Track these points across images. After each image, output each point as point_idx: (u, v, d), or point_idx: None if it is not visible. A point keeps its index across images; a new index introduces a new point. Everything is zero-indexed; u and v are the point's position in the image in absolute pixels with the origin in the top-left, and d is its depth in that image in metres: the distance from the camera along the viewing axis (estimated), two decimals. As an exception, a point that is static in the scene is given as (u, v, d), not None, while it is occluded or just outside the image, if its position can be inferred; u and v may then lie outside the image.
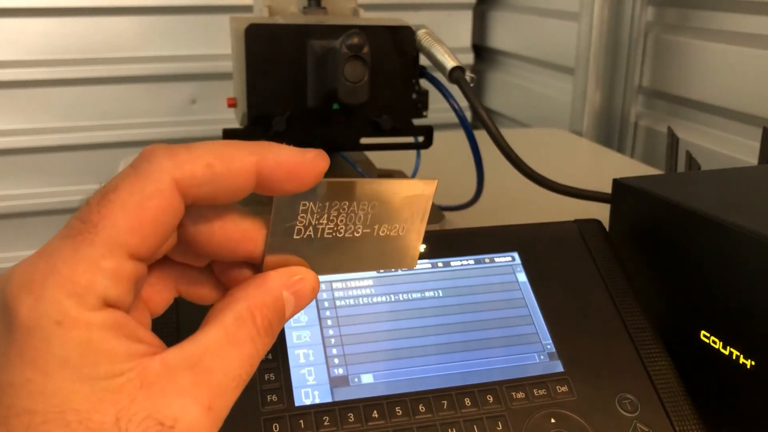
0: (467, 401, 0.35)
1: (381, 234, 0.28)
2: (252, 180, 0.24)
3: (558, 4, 1.30)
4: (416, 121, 0.59)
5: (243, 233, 0.25)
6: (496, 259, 0.41)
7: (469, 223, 0.66)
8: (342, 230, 0.27)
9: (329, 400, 0.34)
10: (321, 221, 0.26)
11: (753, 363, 0.36)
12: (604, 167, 0.98)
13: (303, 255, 0.27)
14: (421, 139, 0.60)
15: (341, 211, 0.27)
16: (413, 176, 0.64)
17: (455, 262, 0.40)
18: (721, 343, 0.38)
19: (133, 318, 0.23)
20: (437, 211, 0.61)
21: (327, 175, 0.26)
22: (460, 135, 0.56)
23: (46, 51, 1.41)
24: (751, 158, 0.87)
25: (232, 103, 0.62)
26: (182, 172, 0.22)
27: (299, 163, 0.24)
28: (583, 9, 1.10)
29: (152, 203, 0.22)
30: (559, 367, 0.37)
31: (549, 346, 0.38)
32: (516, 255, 0.41)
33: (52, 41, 1.41)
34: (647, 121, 1.09)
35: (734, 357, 0.37)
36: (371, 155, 0.75)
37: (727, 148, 0.93)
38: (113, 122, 1.48)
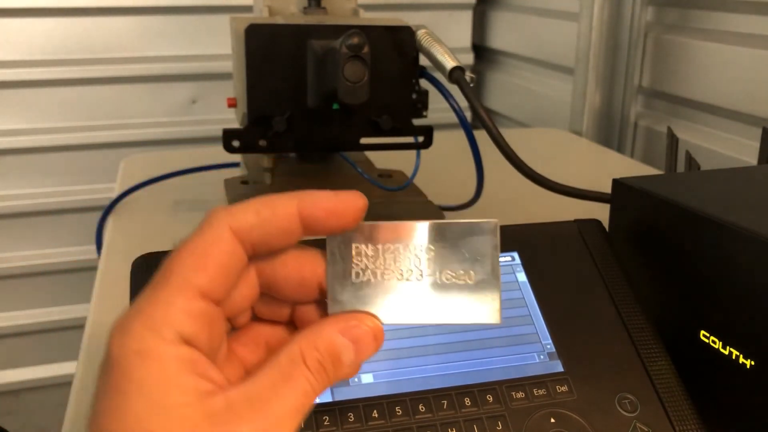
0: (467, 401, 0.35)
1: (446, 280, 0.27)
2: (296, 221, 0.26)
3: (558, 4, 1.30)
4: (416, 121, 0.59)
5: (314, 270, 0.27)
6: (496, 259, 0.41)
7: (469, 223, 0.66)
8: (402, 274, 0.26)
9: (329, 399, 0.34)
10: (377, 264, 0.26)
11: (753, 363, 0.36)
12: (604, 167, 0.99)
13: (367, 300, 0.27)
14: (421, 139, 0.60)
15: (396, 253, 0.26)
16: (413, 176, 0.64)
17: (455, 262, 0.40)
18: (721, 342, 0.38)
19: (225, 370, 0.26)
20: (437, 211, 0.61)
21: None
22: (460, 135, 0.56)
23: (46, 51, 1.41)
24: (751, 158, 0.87)
25: (232, 103, 0.62)
26: (236, 220, 0.26)
27: (335, 202, 0.26)
28: (583, 9, 1.10)
29: (214, 248, 0.25)
30: (558, 366, 0.37)
31: (549, 346, 0.38)
32: (516, 255, 0.41)
33: (53, 41, 1.41)
34: (647, 121, 1.09)
35: (734, 357, 0.37)
36: (371, 155, 0.75)
37: (727, 148, 0.93)
38: (113, 122, 1.48)
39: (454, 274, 0.27)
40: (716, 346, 0.38)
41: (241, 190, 0.65)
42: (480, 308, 0.27)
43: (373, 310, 0.27)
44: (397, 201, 0.63)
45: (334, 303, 0.27)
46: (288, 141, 0.57)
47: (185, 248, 0.25)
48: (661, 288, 0.43)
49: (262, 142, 0.56)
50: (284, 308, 0.29)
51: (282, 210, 0.26)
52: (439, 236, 0.27)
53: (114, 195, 0.81)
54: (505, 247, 0.42)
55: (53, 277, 1.56)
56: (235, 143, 0.56)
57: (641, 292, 0.42)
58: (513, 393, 0.36)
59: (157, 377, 0.23)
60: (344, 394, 0.35)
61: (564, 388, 0.37)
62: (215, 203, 0.74)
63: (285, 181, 0.66)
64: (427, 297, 0.27)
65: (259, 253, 0.27)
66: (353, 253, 0.26)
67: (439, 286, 0.27)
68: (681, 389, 0.38)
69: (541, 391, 0.36)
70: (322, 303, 0.28)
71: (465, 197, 0.63)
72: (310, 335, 0.26)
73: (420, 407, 0.35)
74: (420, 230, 0.26)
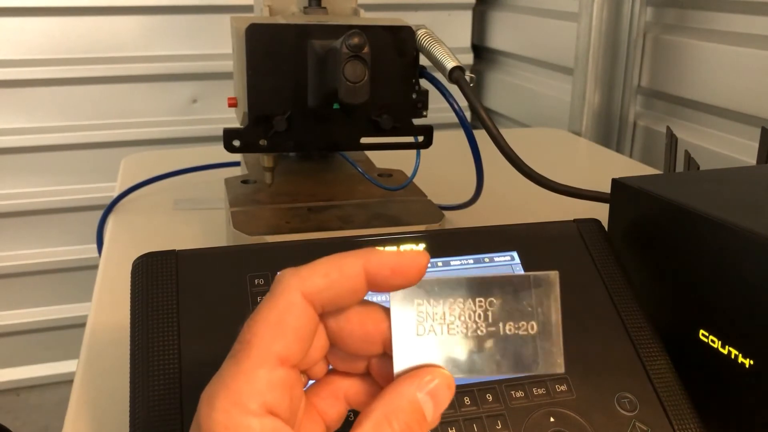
0: (467, 400, 0.35)
1: (509, 332, 0.27)
2: (362, 280, 0.27)
3: (557, 5, 1.30)
4: (416, 121, 0.59)
5: (377, 324, 0.28)
6: (496, 259, 0.41)
7: (468, 223, 0.66)
8: (464, 328, 0.27)
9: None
10: (440, 319, 0.27)
11: (751, 362, 0.36)
12: (603, 167, 0.99)
13: (431, 355, 0.27)
14: (421, 139, 0.61)
15: (457, 307, 0.27)
16: (413, 176, 0.64)
17: (455, 262, 0.41)
18: (720, 342, 0.38)
19: (306, 426, 0.27)
20: (437, 211, 0.61)
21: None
22: (460, 135, 0.57)
23: (47, 50, 1.41)
24: (750, 158, 0.87)
25: (232, 103, 0.62)
26: (306, 285, 0.27)
27: (400, 261, 0.27)
28: (583, 9, 1.10)
29: (289, 315, 0.26)
30: (558, 366, 0.38)
31: (548, 345, 0.38)
32: (515, 254, 0.42)
33: (53, 41, 1.41)
34: (646, 121, 1.09)
35: (733, 356, 0.37)
36: (371, 155, 0.76)
37: (726, 148, 0.93)
38: (114, 121, 1.48)
39: (516, 326, 0.27)
40: (715, 346, 0.38)
41: (241, 190, 0.65)
42: (543, 359, 0.27)
43: (439, 364, 0.27)
44: (397, 200, 0.63)
45: (400, 359, 0.27)
46: (288, 140, 0.57)
47: (260, 318, 0.26)
48: (660, 287, 0.43)
49: (263, 142, 0.56)
50: (359, 361, 0.29)
51: (349, 270, 0.27)
52: (500, 289, 0.27)
53: (115, 194, 0.81)
54: (505, 247, 0.42)
55: (54, 275, 1.56)
56: (236, 143, 0.56)
57: (640, 292, 0.42)
58: (512, 392, 0.36)
59: None
60: (344, 393, 0.35)
61: (563, 388, 0.37)
62: (215, 203, 0.75)
63: (285, 181, 0.66)
64: (490, 350, 0.27)
65: (327, 312, 0.28)
66: (416, 308, 0.27)
67: (502, 338, 0.27)
68: (680, 388, 0.38)
69: (541, 391, 0.36)
70: (390, 356, 0.29)
71: (465, 197, 0.63)
72: (391, 398, 0.27)
73: (420, 406, 0.35)
74: (482, 283, 0.27)
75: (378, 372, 0.29)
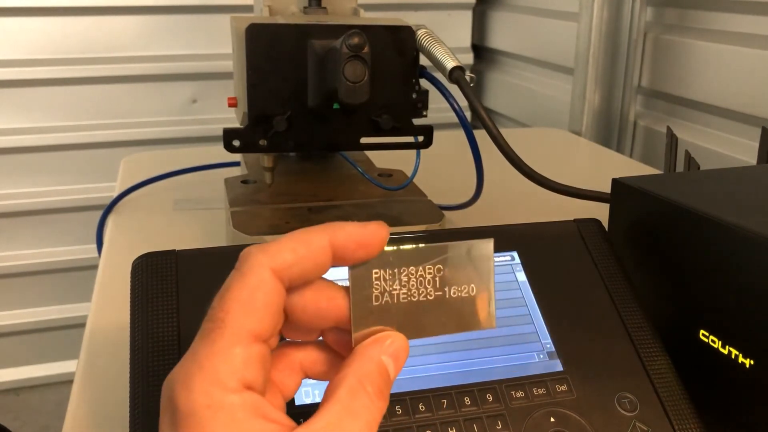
0: (467, 400, 0.35)
1: (453, 296, 0.30)
2: (329, 254, 0.28)
3: (558, 5, 1.30)
4: (416, 121, 0.59)
5: (330, 300, 0.29)
6: (496, 259, 0.41)
7: (468, 223, 0.66)
8: (415, 294, 0.29)
9: (330, 398, 0.34)
10: (394, 287, 0.29)
11: (752, 362, 0.36)
12: (604, 167, 0.99)
13: (385, 321, 0.29)
14: (421, 138, 0.61)
15: (410, 276, 0.29)
16: (413, 176, 0.64)
17: (455, 262, 0.41)
18: (720, 342, 0.38)
19: (268, 401, 0.26)
20: (437, 211, 0.61)
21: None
22: (460, 135, 0.57)
23: (47, 50, 1.41)
24: (750, 158, 0.87)
25: (232, 103, 0.62)
26: (275, 261, 0.27)
27: (364, 234, 0.28)
28: (583, 9, 1.10)
29: (259, 292, 0.27)
30: (558, 366, 0.38)
31: (548, 345, 0.38)
32: (515, 254, 0.42)
33: (53, 41, 1.41)
34: (646, 121, 1.09)
35: (733, 356, 0.37)
36: (371, 155, 0.76)
37: (726, 147, 0.93)
38: (114, 121, 1.49)
39: (459, 289, 0.30)
40: (715, 346, 0.38)
41: (241, 190, 0.65)
42: (477, 316, 0.30)
43: (393, 329, 0.29)
44: (397, 200, 0.63)
45: (358, 325, 0.29)
46: (288, 140, 0.57)
47: (231, 296, 0.27)
48: (660, 287, 0.43)
49: (263, 142, 0.56)
50: (313, 332, 0.30)
51: (316, 245, 0.28)
52: (446, 256, 0.30)
53: (114, 194, 0.81)
54: (505, 247, 0.42)
55: (54, 275, 1.56)
56: (236, 143, 0.56)
57: (640, 292, 0.42)
58: (513, 392, 0.36)
59: (228, 427, 0.24)
60: (344, 393, 0.35)
61: (563, 388, 0.37)
62: (215, 203, 0.75)
63: (285, 181, 0.66)
64: (438, 314, 0.30)
65: (294, 287, 0.28)
66: (372, 278, 0.29)
67: (447, 301, 0.30)
68: (680, 388, 0.38)
69: (541, 391, 0.36)
70: (343, 329, 0.30)
71: (465, 197, 0.63)
72: (361, 363, 0.28)
73: (420, 406, 0.35)
74: (429, 252, 0.29)
75: (333, 340, 0.30)
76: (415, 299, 0.29)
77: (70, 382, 0.48)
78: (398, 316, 0.29)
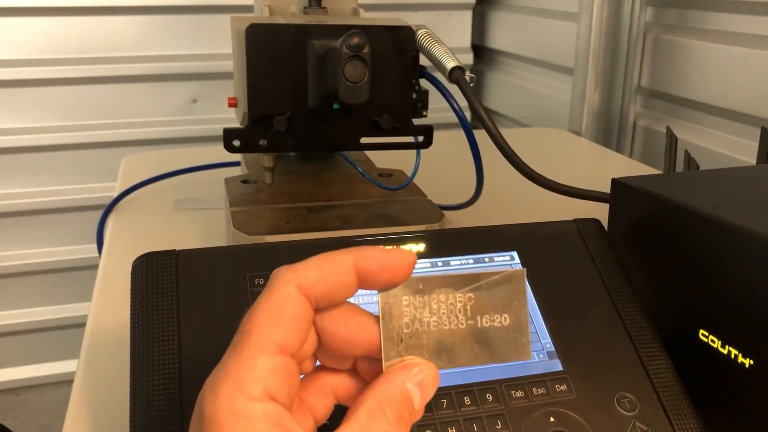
0: (467, 400, 0.36)
1: (486, 325, 0.30)
2: (353, 275, 0.29)
3: (557, 5, 1.30)
4: (416, 121, 0.59)
5: (360, 327, 0.29)
6: (496, 259, 0.41)
7: (468, 223, 0.66)
8: (446, 323, 0.29)
9: (330, 398, 0.34)
10: (425, 315, 0.29)
11: (751, 362, 0.36)
12: (603, 167, 0.99)
13: (416, 349, 0.29)
14: (421, 138, 0.61)
15: (441, 304, 0.29)
16: (413, 176, 0.64)
17: (455, 262, 0.41)
18: (720, 342, 0.38)
19: (297, 420, 0.27)
20: (437, 211, 0.61)
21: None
22: (460, 135, 0.57)
23: (47, 50, 1.41)
24: (750, 158, 0.87)
25: (232, 103, 0.62)
26: (301, 278, 0.28)
27: (388, 257, 0.29)
28: (583, 9, 1.10)
29: (285, 305, 0.28)
30: (558, 366, 0.38)
31: (548, 345, 0.38)
32: (515, 254, 0.42)
33: (53, 40, 1.41)
34: (646, 121, 1.09)
35: (733, 356, 0.37)
36: (371, 155, 0.76)
37: (726, 148, 0.93)
38: (114, 121, 1.49)
39: (491, 319, 0.30)
40: (715, 345, 0.38)
41: (241, 189, 0.65)
42: (510, 347, 0.30)
43: (424, 357, 0.29)
44: (397, 200, 0.63)
45: (389, 351, 0.29)
46: (288, 140, 0.57)
47: (258, 309, 0.28)
48: (660, 287, 0.43)
49: (263, 142, 0.56)
50: (345, 359, 0.31)
51: (341, 265, 0.29)
52: (477, 285, 0.30)
53: (115, 194, 0.81)
54: (505, 247, 0.42)
55: (54, 275, 1.56)
56: (236, 142, 0.56)
57: (640, 292, 0.42)
58: (512, 392, 0.36)
59: None
60: (344, 393, 0.35)
61: (563, 387, 0.37)
62: (215, 203, 0.75)
63: (285, 181, 0.66)
64: (469, 342, 0.30)
65: (321, 306, 0.29)
66: (402, 305, 0.29)
67: (479, 330, 0.30)
68: (680, 388, 0.38)
69: (541, 390, 0.36)
70: (374, 358, 0.30)
71: (465, 197, 0.63)
72: (383, 387, 0.28)
73: (420, 406, 0.35)
74: (460, 281, 0.30)
75: (364, 370, 0.30)
76: (446, 327, 0.29)
77: (70, 382, 0.48)
78: (429, 345, 0.29)
